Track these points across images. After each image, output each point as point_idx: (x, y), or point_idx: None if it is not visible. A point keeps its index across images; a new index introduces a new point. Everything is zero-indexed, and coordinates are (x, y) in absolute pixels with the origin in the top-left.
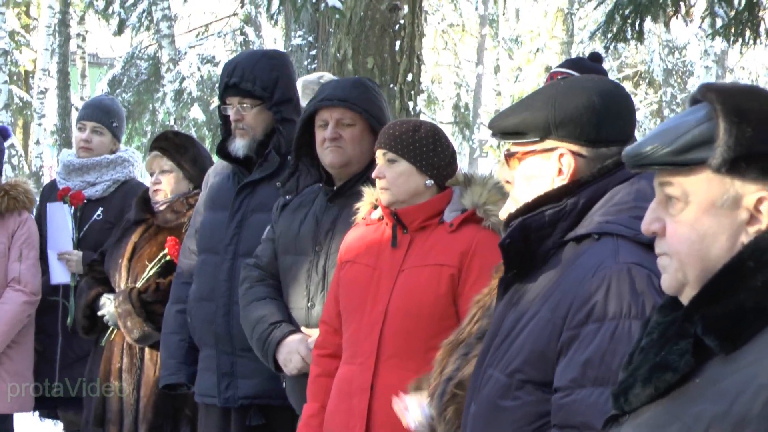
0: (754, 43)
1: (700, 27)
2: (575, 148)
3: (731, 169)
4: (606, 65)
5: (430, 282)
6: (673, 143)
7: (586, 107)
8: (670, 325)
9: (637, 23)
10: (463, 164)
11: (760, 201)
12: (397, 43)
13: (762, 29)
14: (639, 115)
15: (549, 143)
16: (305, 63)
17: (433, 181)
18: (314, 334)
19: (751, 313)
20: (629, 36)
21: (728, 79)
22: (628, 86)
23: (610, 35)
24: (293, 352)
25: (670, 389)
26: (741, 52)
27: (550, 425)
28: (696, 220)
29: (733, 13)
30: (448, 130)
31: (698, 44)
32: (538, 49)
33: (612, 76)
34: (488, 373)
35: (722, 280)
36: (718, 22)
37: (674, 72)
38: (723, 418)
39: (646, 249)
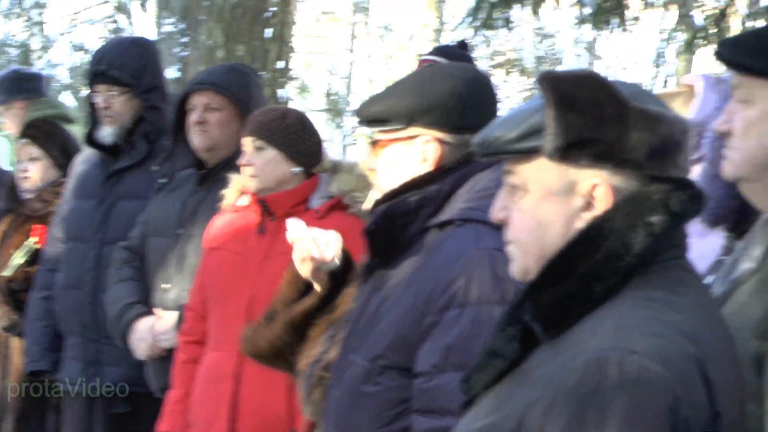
0: (622, 30)
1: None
2: (440, 135)
3: (564, 156)
4: (478, 53)
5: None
6: (511, 131)
7: (451, 94)
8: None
9: (505, 11)
10: (334, 152)
11: (593, 187)
12: (269, 30)
13: (628, 17)
14: (512, 103)
15: (413, 130)
16: (176, 50)
17: (300, 169)
18: (167, 316)
19: (575, 299)
20: (497, 24)
21: (598, 67)
22: (500, 74)
23: (477, 23)
24: (142, 338)
25: (503, 375)
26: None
27: (411, 410)
28: (534, 208)
29: (600, 1)
30: (320, 118)
31: (569, 32)
32: (411, 37)
33: (484, 63)
34: (350, 358)
35: (554, 267)
36: (586, 10)
37: (545, 60)
38: (535, 404)
39: None
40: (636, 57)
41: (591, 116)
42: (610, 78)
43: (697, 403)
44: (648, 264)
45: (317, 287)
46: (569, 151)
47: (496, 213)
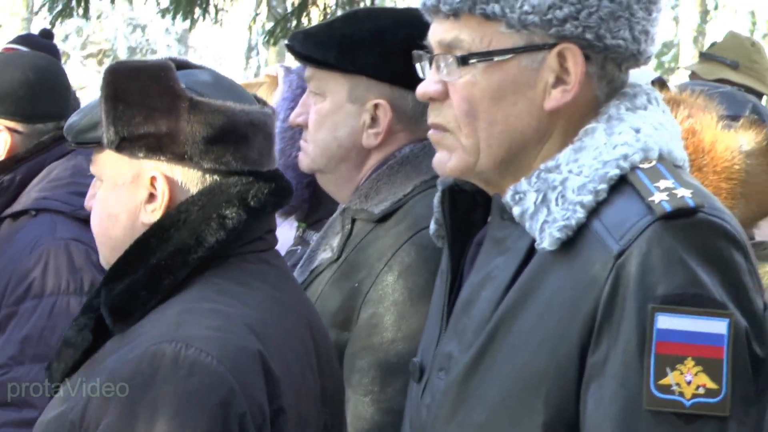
0: (213, 21)
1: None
2: (11, 124)
3: (120, 148)
4: (70, 43)
5: None
6: (81, 121)
7: (20, 83)
8: (87, 301)
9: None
10: None
11: (153, 179)
12: None
13: (211, 8)
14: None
15: None
16: None
17: None
18: None
19: (144, 290)
20: (76, 13)
21: (191, 56)
22: (92, 64)
23: (56, 11)
24: None
25: (79, 364)
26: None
27: None
28: (105, 199)
29: None
30: None
31: (161, 23)
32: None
33: (76, 53)
34: None
35: (128, 258)
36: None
37: (138, 50)
38: (96, 394)
39: (84, 225)
40: (229, 47)
41: (140, 109)
42: (195, 69)
43: (255, 398)
44: (224, 257)
45: None
46: (123, 144)
47: (87, 201)
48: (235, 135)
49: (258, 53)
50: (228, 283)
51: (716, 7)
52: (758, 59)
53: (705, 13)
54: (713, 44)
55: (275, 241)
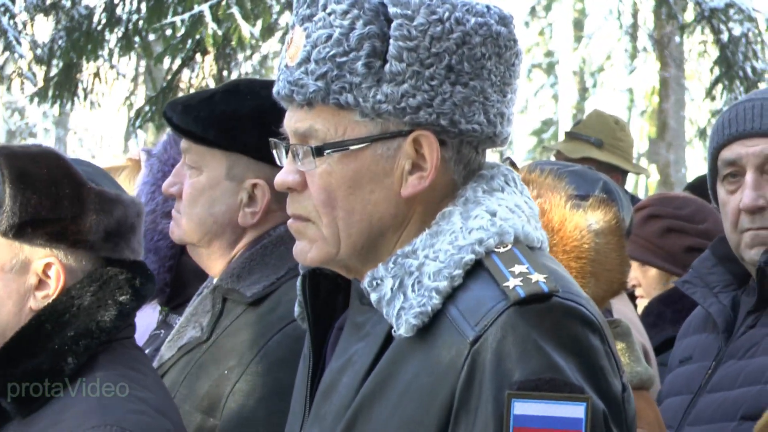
0: (90, 104)
1: None
2: None
3: (18, 234)
4: None
5: None
6: None
7: None
8: None
9: None
10: None
11: (48, 266)
12: None
13: (80, 91)
14: None
15: None
16: None
17: None
18: None
19: (48, 375)
20: None
21: (70, 139)
22: None
23: None
24: None
25: None
26: None
27: None
28: None
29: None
30: None
31: (37, 106)
32: None
33: None
34: None
35: (20, 343)
36: None
37: (18, 134)
38: None
39: None
40: (108, 129)
41: (48, 195)
42: (69, 156)
43: None
44: (110, 341)
45: None
46: (23, 230)
47: None
48: (127, 225)
49: (136, 135)
50: (123, 368)
51: (595, 85)
52: (622, 137)
53: (584, 90)
54: (578, 122)
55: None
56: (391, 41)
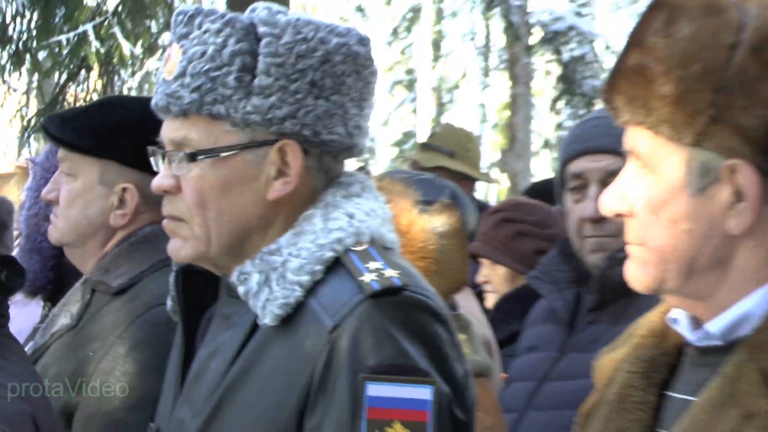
0: None
1: None
2: None
3: None
4: None
5: None
6: None
7: None
8: None
9: None
10: None
11: None
12: None
13: None
14: None
15: None
16: None
17: None
18: None
19: None
20: None
21: None
22: None
23: None
24: None
25: None
26: None
27: None
28: None
29: None
30: None
31: None
32: None
33: None
34: None
35: None
36: None
37: None
38: None
39: None
40: (2, 139)
41: None
42: None
43: None
44: None
45: None
46: None
47: None
48: (1, 224)
49: (29, 145)
50: None
51: (451, 101)
52: (471, 147)
53: (441, 105)
54: (433, 134)
55: (10, 317)
56: (260, 57)
